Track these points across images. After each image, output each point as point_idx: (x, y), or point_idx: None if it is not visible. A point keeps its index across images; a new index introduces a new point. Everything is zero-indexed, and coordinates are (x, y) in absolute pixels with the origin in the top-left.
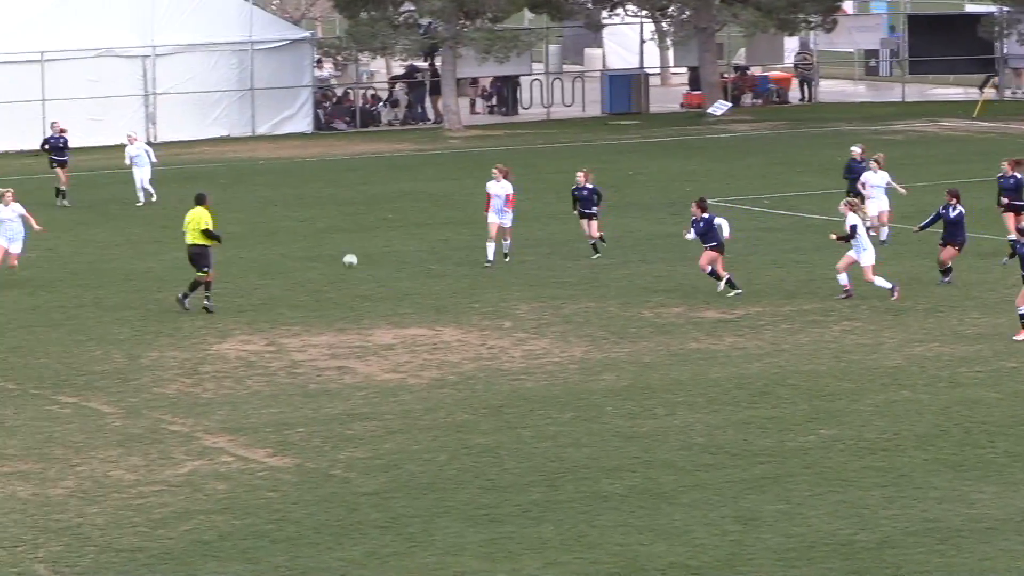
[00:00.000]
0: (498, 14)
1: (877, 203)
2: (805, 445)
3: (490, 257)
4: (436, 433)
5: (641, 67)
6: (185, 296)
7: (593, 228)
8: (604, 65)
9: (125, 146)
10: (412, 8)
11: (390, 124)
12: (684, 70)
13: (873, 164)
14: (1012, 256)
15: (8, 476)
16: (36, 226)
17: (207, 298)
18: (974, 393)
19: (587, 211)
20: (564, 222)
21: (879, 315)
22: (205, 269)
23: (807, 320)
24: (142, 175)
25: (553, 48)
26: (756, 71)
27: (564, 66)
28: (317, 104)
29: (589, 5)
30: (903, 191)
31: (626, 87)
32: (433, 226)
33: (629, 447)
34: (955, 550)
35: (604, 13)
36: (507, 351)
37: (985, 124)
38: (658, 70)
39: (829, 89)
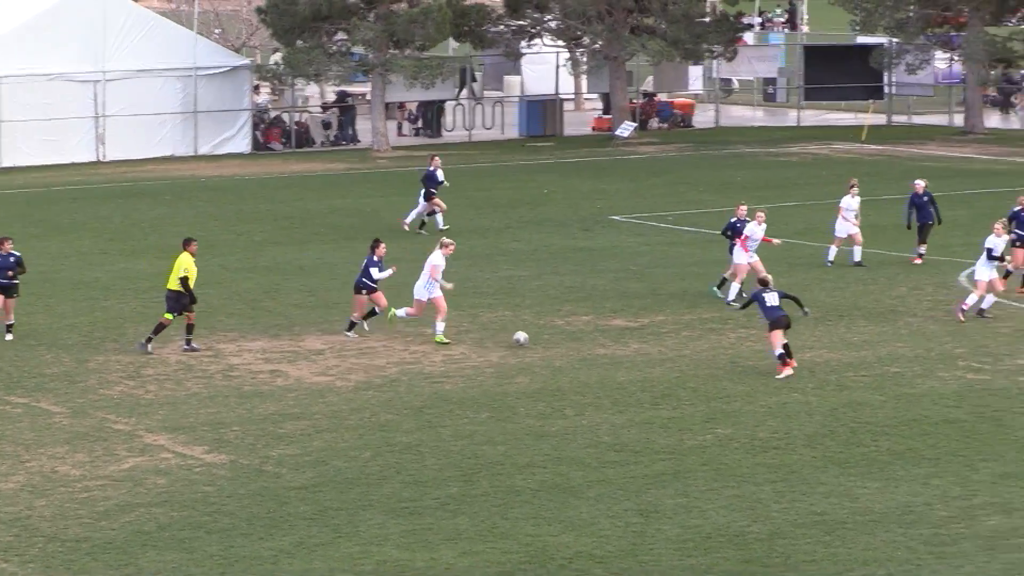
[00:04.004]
0: (425, 43)
1: (849, 226)
2: (703, 443)
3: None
4: (361, 432)
5: (556, 93)
6: (188, 342)
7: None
8: (522, 91)
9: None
10: (345, 37)
11: (323, 145)
12: (596, 96)
13: (852, 189)
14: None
15: None
16: None
17: (148, 339)
18: (859, 396)
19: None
20: (484, 236)
21: None
22: (173, 314)
23: (706, 328)
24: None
25: (476, 75)
26: (662, 97)
27: (485, 92)
28: (255, 126)
29: (508, 35)
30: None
31: (541, 112)
32: (362, 240)
33: (540, 445)
34: (840, 541)
35: (522, 43)
36: (428, 356)
37: (873, 147)
38: (572, 96)
39: (730, 114)
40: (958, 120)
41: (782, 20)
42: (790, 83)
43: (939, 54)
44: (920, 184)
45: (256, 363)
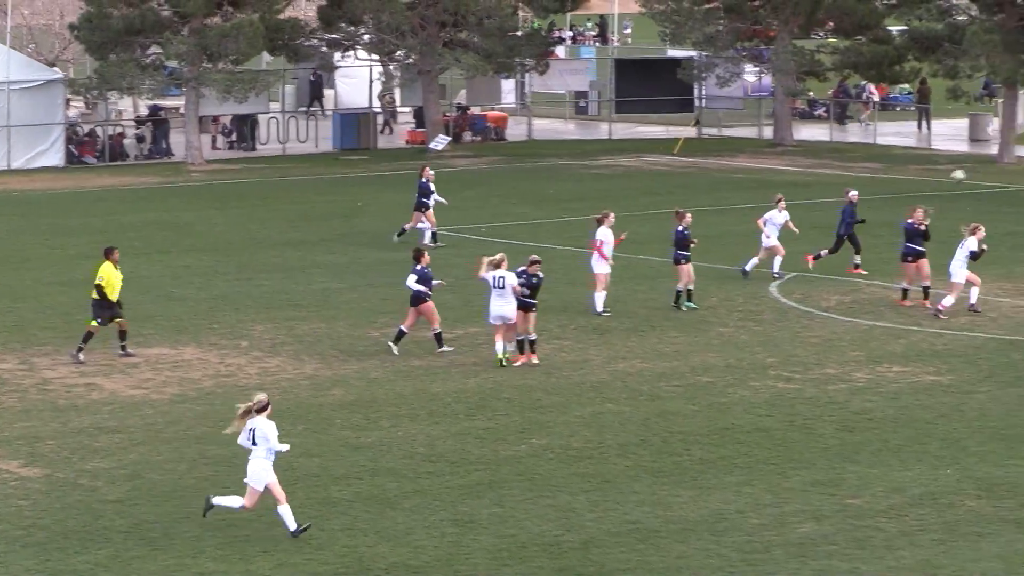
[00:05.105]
0: (238, 57)
1: (771, 239)
2: (518, 454)
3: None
4: (177, 445)
5: (370, 107)
6: (123, 348)
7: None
8: (336, 105)
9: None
10: (159, 51)
11: (136, 158)
12: (409, 109)
13: (779, 204)
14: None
15: None
16: None
17: (79, 348)
18: (672, 405)
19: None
20: (298, 249)
21: (586, 334)
22: (97, 321)
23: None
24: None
25: (289, 88)
26: (476, 110)
27: (298, 106)
28: (68, 140)
29: (323, 49)
30: (796, 231)
31: (355, 125)
32: (176, 253)
33: (356, 456)
34: (654, 549)
35: (336, 56)
36: (243, 368)
37: (684, 159)
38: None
39: (542, 127)
40: (767, 132)
41: (593, 34)
42: (601, 96)
43: (749, 67)
44: (854, 194)
45: (71, 377)
